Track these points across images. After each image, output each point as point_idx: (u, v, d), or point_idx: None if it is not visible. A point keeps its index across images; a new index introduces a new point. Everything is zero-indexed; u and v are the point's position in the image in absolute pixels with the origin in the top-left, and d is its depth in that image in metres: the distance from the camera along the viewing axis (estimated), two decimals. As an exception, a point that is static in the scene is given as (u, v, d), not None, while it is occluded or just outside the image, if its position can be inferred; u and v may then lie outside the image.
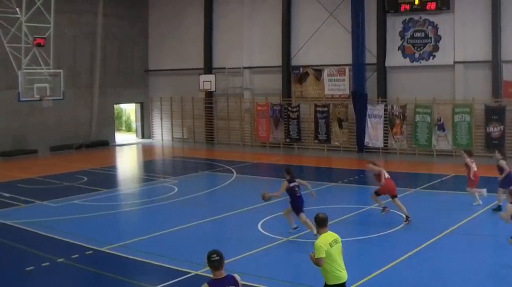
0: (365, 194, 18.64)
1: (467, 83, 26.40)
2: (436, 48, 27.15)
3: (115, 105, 36.94)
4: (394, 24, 28.21)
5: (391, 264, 11.87)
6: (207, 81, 33.43)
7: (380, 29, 28.39)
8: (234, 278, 7.10)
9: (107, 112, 35.30)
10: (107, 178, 24.27)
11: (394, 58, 28.31)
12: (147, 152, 33.88)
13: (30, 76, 25.28)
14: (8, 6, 24.93)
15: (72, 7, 32.10)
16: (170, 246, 13.74)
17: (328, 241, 8.44)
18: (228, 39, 33.79)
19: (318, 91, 30.74)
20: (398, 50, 28.17)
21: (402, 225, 14.78)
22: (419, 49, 27.59)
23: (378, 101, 28.49)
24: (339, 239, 8.62)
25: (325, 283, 8.53)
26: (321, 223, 8.65)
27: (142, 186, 22.74)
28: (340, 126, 29.70)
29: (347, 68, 29.52)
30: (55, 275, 12.03)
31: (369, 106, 28.59)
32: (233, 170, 24.66)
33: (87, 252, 13.27)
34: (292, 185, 13.90)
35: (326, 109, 30.01)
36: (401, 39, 28.03)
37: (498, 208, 15.50)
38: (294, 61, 31.50)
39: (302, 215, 13.80)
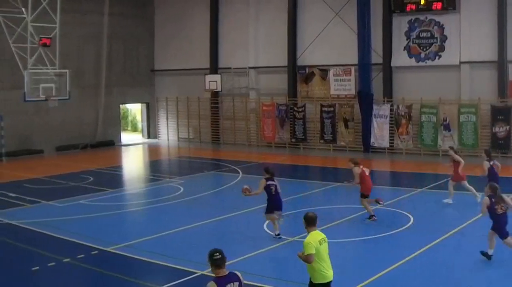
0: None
1: (473, 84, 26.33)
2: (442, 48, 27.09)
3: (121, 105, 36.95)
4: (400, 24, 28.16)
5: (397, 264, 11.85)
6: (213, 81, 33.42)
7: (386, 29, 28.35)
8: (236, 274, 7.22)
9: (113, 112, 35.34)
10: (112, 178, 24.30)
11: (400, 58, 28.25)
12: (153, 152, 33.91)
13: (36, 76, 25.32)
14: (14, 6, 24.98)
15: (78, 7, 32.17)
16: (176, 246, 13.75)
17: (317, 239, 8.65)
18: (233, 39, 33.80)
19: (324, 91, 30.70)
20: (404, 50, 28.12)
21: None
22: (425, 49, 27.52)
23: (384, 101, 28.44)
24: (326, 238, 8.83)
25: (311, 281, 8.69)
26: (310, 221, 8.84)
27: (147, 186, 22.76)
28: (346, 126, 29.66)
29: (353, 68, 29.48)
30: (61, 275, 12.06)
31: (375, 106, 28.55)
32: (239, 170, 24.65)
33: (92, 252, 13.30)
34: (269, 183, 14.26)
35: (332, 109, 29.98)
36: (407, 39, 27.97)
37: None
38: (300, 61, 31.46)
39: (270, 215, 14.10)
